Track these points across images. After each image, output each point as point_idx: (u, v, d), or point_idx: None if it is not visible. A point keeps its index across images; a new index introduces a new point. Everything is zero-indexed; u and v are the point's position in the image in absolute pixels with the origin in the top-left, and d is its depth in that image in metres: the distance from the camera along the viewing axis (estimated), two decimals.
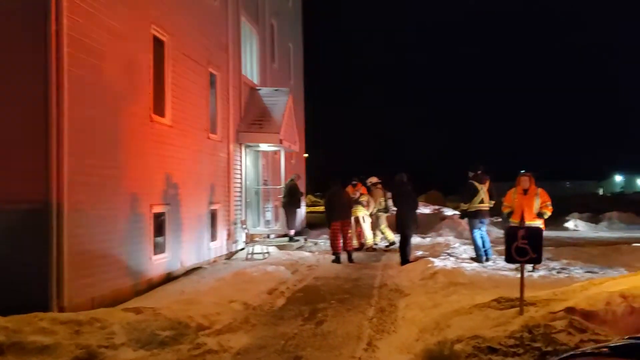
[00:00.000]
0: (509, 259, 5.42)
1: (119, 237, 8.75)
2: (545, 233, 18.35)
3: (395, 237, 15.89)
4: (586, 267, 11.34)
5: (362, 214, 15.33)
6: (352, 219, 15.15)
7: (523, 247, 5.34)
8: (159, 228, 10.35)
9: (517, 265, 11.38)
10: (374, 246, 15.64)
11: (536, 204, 10.72)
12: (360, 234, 15.60)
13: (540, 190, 10.85)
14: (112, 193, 8.63)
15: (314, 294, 9.25)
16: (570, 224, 25.18)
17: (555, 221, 24.13)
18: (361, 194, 15.38)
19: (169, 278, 10.45)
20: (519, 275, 10.36)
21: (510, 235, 5.39)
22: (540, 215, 10.70)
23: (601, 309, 5.17)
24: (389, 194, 15.39)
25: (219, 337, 6.54)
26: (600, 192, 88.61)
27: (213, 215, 13.07)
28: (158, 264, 10.14)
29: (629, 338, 2.59)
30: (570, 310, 5.15)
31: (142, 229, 9.53)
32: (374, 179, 16.05)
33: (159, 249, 10.29)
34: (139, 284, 9.30)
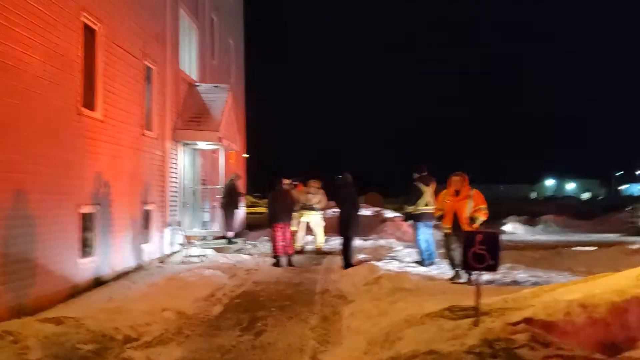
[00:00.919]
0: (465, 266, 5.08)
1: (41, 239, 7.96)
2: None
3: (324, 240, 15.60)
4: (529, 271, 11.27)
5: (314, 218, 14.99)
6: (302, 223, 14.82)
7: (480, 253, 5.00)
8: (87, 230, 9.59)
9: (460, 270, 11.42)
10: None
11: (468, 207, 9.55)
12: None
13: (474, 192, 9.70)
14: (34, 191, 7.85)
15: (253, 301, 8.72)
16: (508, 227, 25.54)
17: (492, 224, 24.50)
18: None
19: (98, 283, 9.71)
20: (463, 280, 10.33)
21: (468, 240, 5.04)
22: (472, 220, 9.45)
23: (561, 320, 4.90)
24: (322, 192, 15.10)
25: (148, 351, 5.95)
26: (533, 195, 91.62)
27: (147, 216, 12.34)
28: (85, 268, 9.38)
29: None
30: (528, 321, 4.85)
31: (68, 231, 8.77)
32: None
33: (86, 252, 9.53)
34: (63, 290, 8.52)
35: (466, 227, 9.14)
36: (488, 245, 5.00)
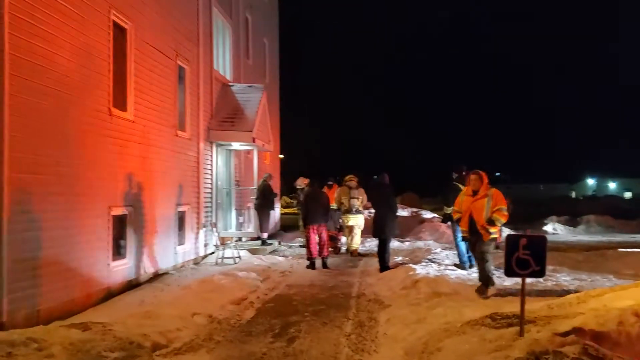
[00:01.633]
0: (508, 272, 4.73)
1: (71, 241, 7.90)
2: None
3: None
4: (573, 273, 10.80)
5: (360, 220, 14.44)
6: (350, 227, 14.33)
7: (525, 258, 4.65)
8: (119, 231, 9.51)
9: (502, 272, 11.00)
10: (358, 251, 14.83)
11: (487, 208, 8.68)
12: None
13: (493, 191, 8.79)
14: (65, 193, 7.78)
15: (286, 305, 8.49)
16: (548, 227, 24.82)
17: (533, 224, 23.82)
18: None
19: (130, 286, 9.62)
20: (505, 284, 9.90)
21: (511, 244, 4.69)
22: (490, 222, 8.59)
23: (613, 330, 4.53)
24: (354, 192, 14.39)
25: (177, 358, 5.77)
26: (573, 195, 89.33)
27: (181, 218, 12.24)
28: (117, 271, 9.29)
29: None
30: (578, 331, 4.49)
31: (99, 233, 8.69)
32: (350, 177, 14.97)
33: (118, 254, 9.45)
34: (94, 293, 8.45)
35: (482, 230, 8.57)
36: (533, 249, 4.64)
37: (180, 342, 6.29)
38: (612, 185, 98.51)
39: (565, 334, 4.49)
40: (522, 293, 4.79)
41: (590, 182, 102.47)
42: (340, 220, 14.77)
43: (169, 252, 11.43)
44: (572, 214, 30.22)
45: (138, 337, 5.83)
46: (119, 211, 9.40)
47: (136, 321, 6.71)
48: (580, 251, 14.68)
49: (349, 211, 14.18)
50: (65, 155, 7.80)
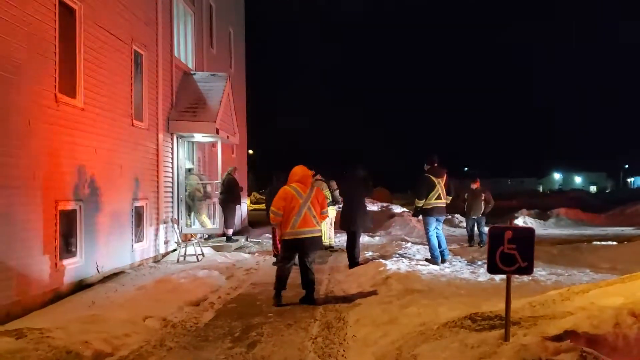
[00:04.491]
0: (492, 269, 4.22)
1: (11, 239, 7.17)
2: None
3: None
4: (549, 267, 10.45)
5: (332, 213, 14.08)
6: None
7: (510, 253, 4.14)
8: (69, 228, 8.80)
9: (476, 266, 10.60)
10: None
11: None
12: None
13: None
14: (5, 186, 7.06)
15: (249, 305, 7.88)
16: (519, 221, 24.68)
17: (504, 218, 23.60)
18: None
19: (82, 286, 8.92)
20: (480, 279, 9.46)
21: (495, 237, 4.17)
22: None
23: (609, 332, 4.06)
24: (333, 184, 14.01)
25: None
26: (540, 189, 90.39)
27: (139, 213, 11.51)
28: (67, 270, 8.58)
29: None
30: (571, 334, 4.01)
31: (45, 229, 7.96)
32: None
33: (68, 252, 8.74)
34: (39, 295, 7.74)
35: None
36: (519, 243, 4.13)
37: (127, 350, 5.64)
38: (578, 180, 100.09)
39: (557, 337, 4.00)
40: (508, 292, 4.29)
41: (557, 176, 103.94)
42: None
43: (125, 249, 10.72)
44: (541, 208, 30.33)
45: (78, 346, 5.17)
46: (67, 206, 8.68)
47: (80, 326, 6.03)
48: (553, 245, 14.42)
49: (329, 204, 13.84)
50: (5, 144, 7.07)
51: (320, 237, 8.20)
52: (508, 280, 4.28)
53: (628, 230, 21.02)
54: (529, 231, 4.29)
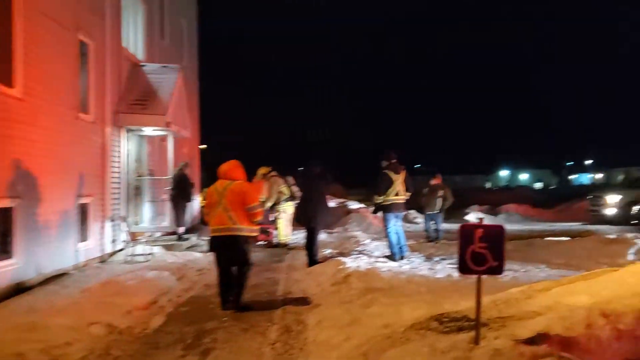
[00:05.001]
0: (463, 269, 3.99)
1: None
2: (449, 226, 17.93)
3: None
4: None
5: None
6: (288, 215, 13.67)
7: (481, 252, 3.91)
8: (4, 227, 8.20)
9: (433, 263, 10.47)
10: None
11: None
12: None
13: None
14: None
15: (202, 308, 7.47)
16: (471, 217, 24.94)
17: (455, 214, 23.76)
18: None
19: (19, 289, 8.31)
20: (438, 276, 9.30)
21: (466, 235, 3.94)
22: None
23: (582, 334, 3.88)
24: (290, 179, 13.78)
25: None
26: (488, 185, 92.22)
27: (83, 211, 10.91)
28: (2, 272, 7.99)
29: None
30: (544, 337, 3.81)
31: None
32: (264, 170, 14.33)
33: (3, 253, 8.15)
34: None
35: None
36: (490, 242, 3.91)
37: None
38: (524, 177, 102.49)
39: (529, 340, 3.80)
40: (478, 293, 4.07)
41: (504, 173, 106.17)
42: (273, 213, 14.06)
43: (68, 249, 10.12)
44: (489, 203, 30.81)
45: (10, 358, 4.70)
46: (2, 203, 8.08)
47: (16, 335, 5.54)
48: (507, 240, 14.43)
49: (288, 200, 13.76)
50: None
51: (237, 237, 7.30)
52: (479, 281, 4.06)
53: (575, 225, 21.46)
54: (499, 228, 4.07)
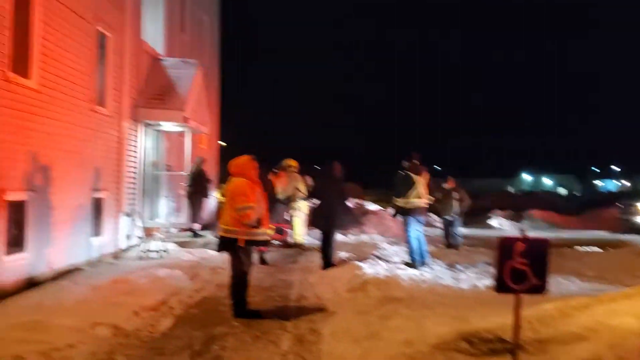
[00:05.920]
0: (500, 287, 3.62)
1: None
2: (471, 231, 17.40)
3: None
4: None
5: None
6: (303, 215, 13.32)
7: (521, 268, 3.53)
8: (16, 220, 7.98)
9: (456, 271, 10.05)
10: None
11: None
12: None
13: None
14: None
15: (213, 311, 7.16)
16: (494, 222, 24.36)
17: (476, 219, 23.15)
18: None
19: (31, 284, 8.13)
20: (462, 286, 8.88)
21: (504, 249, 3.56)
22: None
23: None
24: (308, 179, 13.35)
25: None
26: (510, 189, 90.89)
27: (98, 205, 10.70)
28: (13, 266, 7.80)
29: None
30: None
31: None
32: (289, 162, 13.66)
33: (15, 247, 7.93)
34: None
35: None
36: (532, 257, 3.53)
37: None
38: (548, 182, 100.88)
39: None
40: (516, 315, 3.69)
41: (527, 177, 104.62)
42: (289, 212, 13.64)
43: (81, 244, 9.91)
44: (512, 209, 30.01)
45: None
46: (16, 196, 7.88)
47: (18, 335, 5.31)
48: None
49: (305, 198, 13.23)
50: None
51: (229, 239, 6.79)
52: (517, 301, 3.68)
53: (605, 234, 20.72)
54: (544, 242, 3.69)
